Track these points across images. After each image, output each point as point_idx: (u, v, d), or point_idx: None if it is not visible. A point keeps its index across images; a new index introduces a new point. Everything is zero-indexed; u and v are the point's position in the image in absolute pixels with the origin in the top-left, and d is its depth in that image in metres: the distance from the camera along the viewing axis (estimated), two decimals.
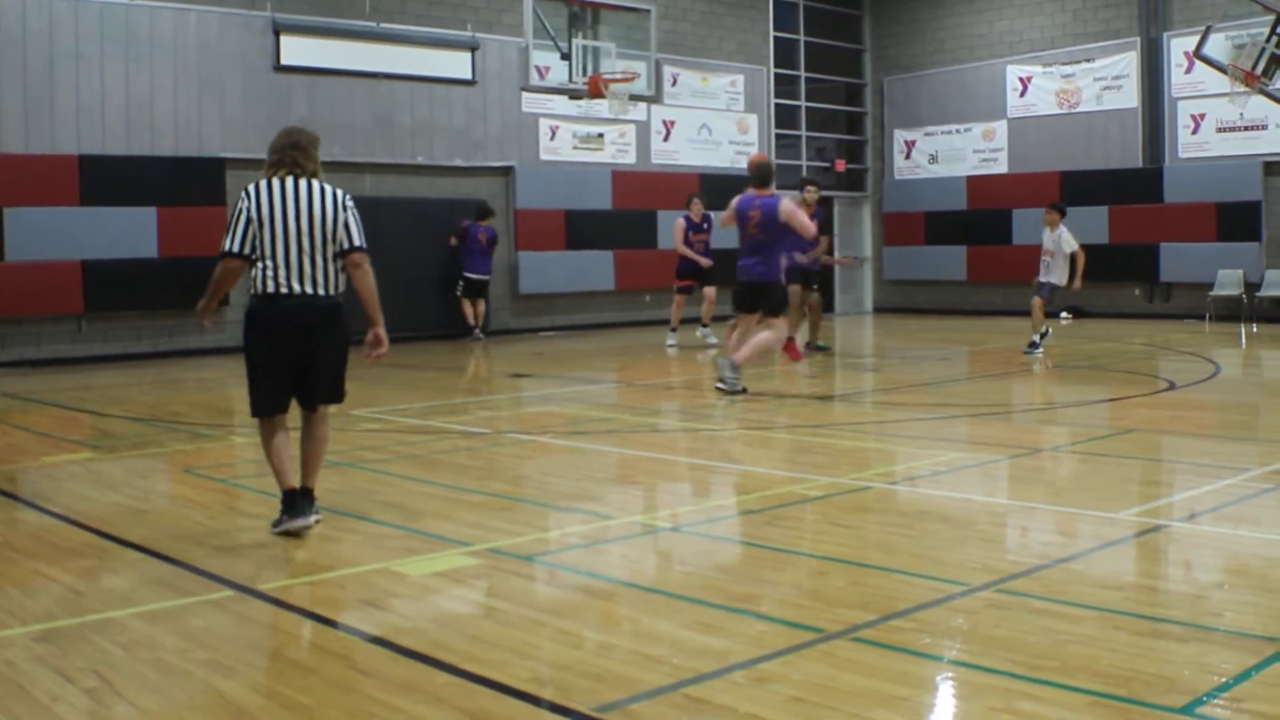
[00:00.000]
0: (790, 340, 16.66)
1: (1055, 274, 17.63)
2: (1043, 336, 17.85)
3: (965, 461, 9.84)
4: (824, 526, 7.58)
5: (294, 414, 7.55)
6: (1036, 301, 17.75)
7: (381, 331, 7.71)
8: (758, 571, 6.75)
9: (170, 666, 5.04)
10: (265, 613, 5.88)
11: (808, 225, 13.72)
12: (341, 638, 5.47)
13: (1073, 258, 17.46)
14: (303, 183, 7.33)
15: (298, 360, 7.41)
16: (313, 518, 7.42)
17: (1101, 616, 5.43)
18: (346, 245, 7.38)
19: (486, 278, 22.32)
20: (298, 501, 7.33)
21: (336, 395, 7.69)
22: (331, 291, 7.39)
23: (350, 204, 7.46)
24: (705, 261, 19.93)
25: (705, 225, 20.04)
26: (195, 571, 6.53)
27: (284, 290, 7.27)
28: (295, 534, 7.26)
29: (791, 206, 13.37)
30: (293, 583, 6.32)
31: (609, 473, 9.77)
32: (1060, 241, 17.53)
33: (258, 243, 7.24)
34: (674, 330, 20.50)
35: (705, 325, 20.52)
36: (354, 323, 7.68)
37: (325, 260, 7.32)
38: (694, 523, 7.93)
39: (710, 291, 20.23)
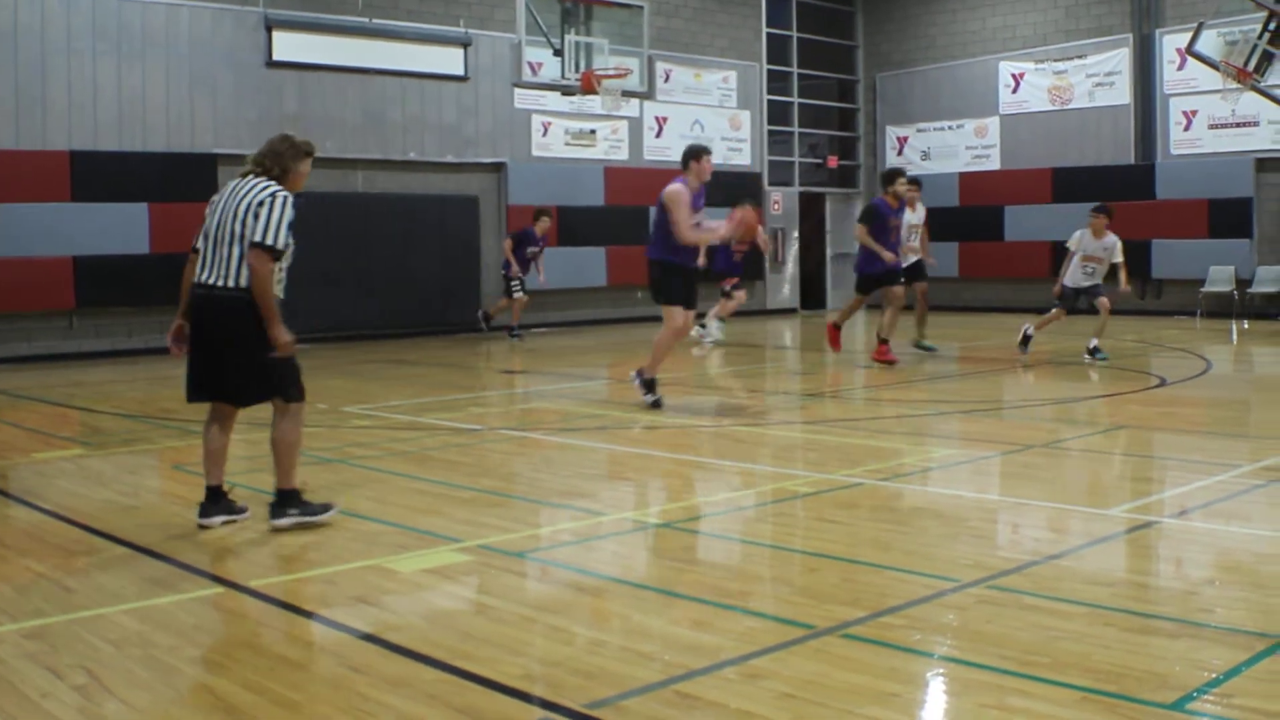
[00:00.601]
0: (883, 342, 16.22)
1: (1096, 280, 16.65)
2: (1023, 342, 17.05)
3: (957, 458, 9.84)
4: (815, 523, 7.58)
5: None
6: (1059, 313, 16.79)
7: (273, 331, 7.14)
8: (749, 568, 6.76)
9: (160, 663, 5.03)
10: (255, 609, 5.87)
11: (679, 223, 11.83)
12: (332, 634, 5.46)
13: (1115, 267, 16.58)
14: (245, 179, 7.33)
15: (205, 351, 7.30)
16: (284, 520, 7.32)
17: (1092, 613, 5.43)
18: (248, 239, 7.12)
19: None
20: (209, 503, 7.46)
21: (268, 395, 7.41)
22: (238, 285, 7.14)
23: (272, 200, 7.15)
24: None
25: None
26: (185, 568, 6.52)
27: (197, 280, 7.28)
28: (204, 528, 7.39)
29: (674, 190, 11.92)
30: (283, 579, 6.32)
31: (600, 469, 9.77)
32: (1114, 250, 16.53)
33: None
34: (721, 321, 20.36)
35: (720, 320, 20.30)
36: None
37: (238, 254, 7.15)
38: (685, 519, 7.93)
39: (739, 294, 20.02)
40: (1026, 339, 17.01)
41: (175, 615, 5.69)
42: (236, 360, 7.20)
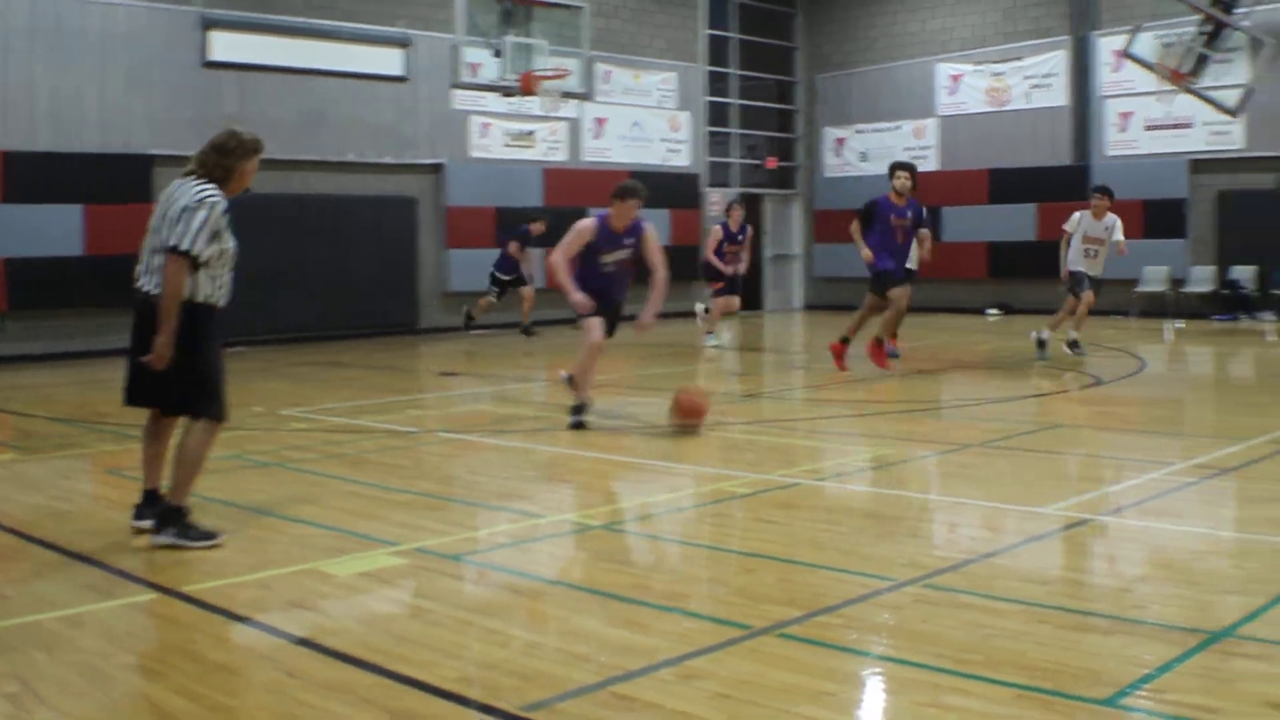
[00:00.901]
0: (844, 342, 15.48)
1: (1099, 266, 16.40)
2: (1072, 345, 16.39)
3: (894, 458, 9.89)
4: (752, 523, 7.60)
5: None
6: (1089, 296, 16.13)
7: (159, 341, 6.80)
8: (685, 569, 6.77)
9: (94, 670, 4.98)
10: (190, 615, 5.81)
11: (559, 245, 11.28)
12: (267, 639, 5.42)
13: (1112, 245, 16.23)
14: (186, 180, 7.09)
15: (138, 357, 7.02)
16: (161, 538, 6.99)
17: (1027, 610, 5.47)
18: (167, 242, 6.90)
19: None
20: (145, 505, 7.34)
21: (187, 406, 7.14)
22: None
23: (199, 204, 6.89)
24: (728, 269, 19.41)
25: (740, 236, 19.48)
26: (119, 574, 6.46)
27: (135, 285, 7.12)
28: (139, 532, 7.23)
29: (581, 222, 11.30)
30: (218, 584, 6.25)
31: (538, 471, 9.74)
32: (1115, 229, 16.22)
33: None
34: (710, 333, 20.17)
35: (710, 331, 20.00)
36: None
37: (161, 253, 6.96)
38: (622, 520, 7.94)
39: (734, 301, 19.78)
40: (1074, 343, 16.41)
41: (109, 621, 5.64)
42: (173, 368, 6.94)
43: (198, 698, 4.67)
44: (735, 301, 19.83)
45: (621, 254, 11.39)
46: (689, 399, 11.16)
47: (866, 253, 15.26)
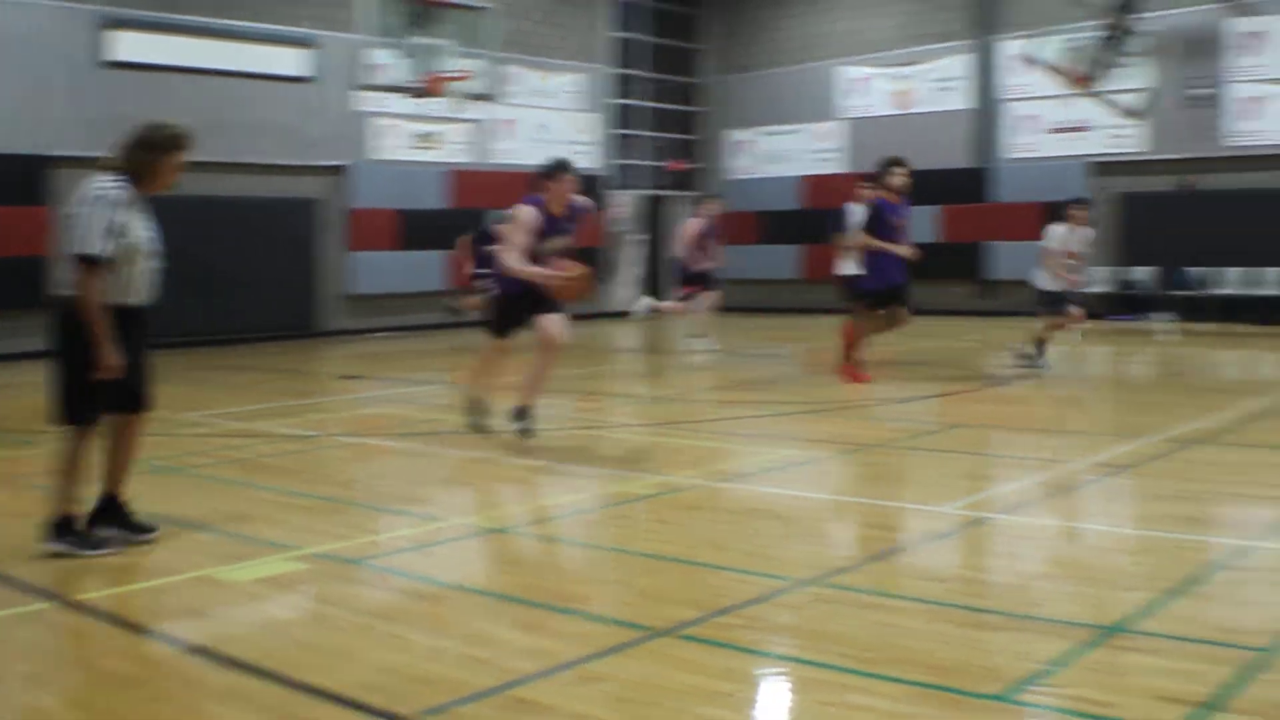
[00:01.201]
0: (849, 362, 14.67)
1: (1076, 278, 15.70)
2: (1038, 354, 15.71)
3: (796, 459, 9.92)
4: (654, 525, 7.60)
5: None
6: (1078, 312, 15.61)
7: (98, 352, 6.58)
8: (587, 571, 6.76)
9: None
10: (84, 624, 5.73)
11: (507, 246, 10.32)
12: (163, 648, 5.35)
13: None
14: (97, 177, 6.79)
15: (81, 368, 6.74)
16: (57, 545, 6.79)
17: (928, 609, 5.52)
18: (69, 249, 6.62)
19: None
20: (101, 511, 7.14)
21: (51, 410, 6.88)
22: (64, 292, 6.65)
23: (86, 200, 6.61)
24: (708, 264, 19.02)
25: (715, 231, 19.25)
26: (10, 583, 6.34)
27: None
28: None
29: (521, 212, 10.36)
30: (112, 592, 6.17)
31: (439, 475, 9.70)
32: (1088, 242, 15.66)
33: None
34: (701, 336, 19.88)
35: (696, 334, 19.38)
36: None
37: (66, 259, 6.67)
38: (524, 524, 7.93)
39: (714, 296, 19.36)
40: (1029, 354, 15.82)
41: (2, 631, 5.54)
42: (54, 371, 6.77)
43: (92, 708, 4.61)
44: (716, 296, 19.31)
45: (563, 240, 10.63)
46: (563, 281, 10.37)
47: (906, 250, 14.18)
